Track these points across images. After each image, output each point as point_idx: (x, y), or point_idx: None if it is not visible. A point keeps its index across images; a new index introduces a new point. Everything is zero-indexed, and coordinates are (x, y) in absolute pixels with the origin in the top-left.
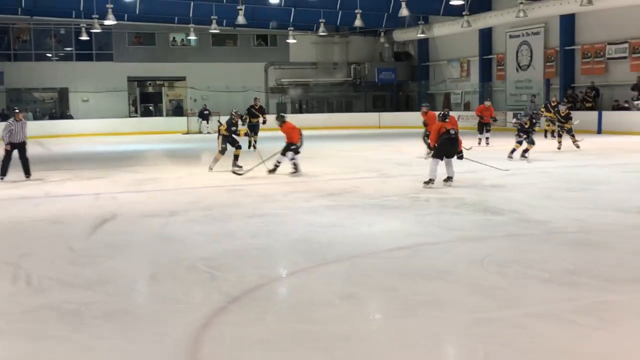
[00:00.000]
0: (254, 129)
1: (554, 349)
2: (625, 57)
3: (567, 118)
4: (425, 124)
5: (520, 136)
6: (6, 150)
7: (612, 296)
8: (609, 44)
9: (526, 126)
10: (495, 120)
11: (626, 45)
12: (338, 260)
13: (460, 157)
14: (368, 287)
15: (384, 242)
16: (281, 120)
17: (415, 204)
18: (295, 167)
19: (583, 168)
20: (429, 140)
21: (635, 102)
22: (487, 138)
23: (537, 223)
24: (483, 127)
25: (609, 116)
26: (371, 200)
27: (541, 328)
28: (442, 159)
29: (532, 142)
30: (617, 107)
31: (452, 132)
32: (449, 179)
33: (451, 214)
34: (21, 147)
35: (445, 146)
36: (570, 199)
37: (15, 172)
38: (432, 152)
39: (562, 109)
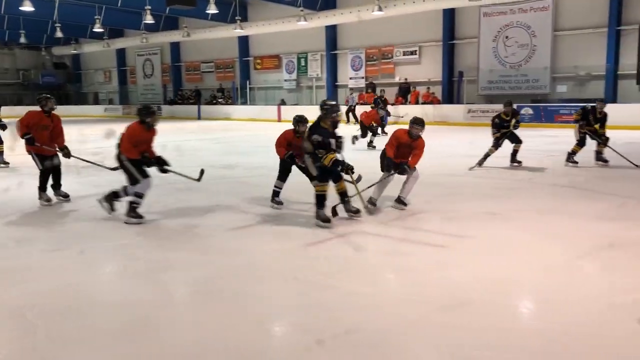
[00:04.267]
0: None
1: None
2: (213, 71)
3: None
4: None
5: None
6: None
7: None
8: (202, 62)
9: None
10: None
11: (212, 63)
12: None
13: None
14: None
15: None
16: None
17: None
18: None
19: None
20: None
21: (220, 100)
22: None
23: None
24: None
25: (205, 108)
26: None
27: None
28: None
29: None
30: (208, 103)
31: None
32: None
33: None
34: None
35: None
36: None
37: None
38: None
39: None
